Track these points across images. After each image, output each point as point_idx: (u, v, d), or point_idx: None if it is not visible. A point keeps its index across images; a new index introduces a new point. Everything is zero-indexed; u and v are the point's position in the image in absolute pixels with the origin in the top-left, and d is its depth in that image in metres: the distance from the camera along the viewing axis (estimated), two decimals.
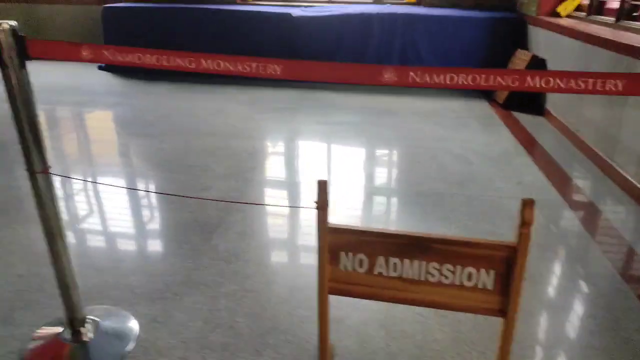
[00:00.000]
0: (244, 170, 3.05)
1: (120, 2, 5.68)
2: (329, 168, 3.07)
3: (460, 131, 3.74)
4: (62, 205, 2.60)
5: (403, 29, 4.71)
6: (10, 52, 1.21)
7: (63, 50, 1.22)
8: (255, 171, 3.03)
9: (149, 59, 1.19)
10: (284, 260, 2.11)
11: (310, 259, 2.10)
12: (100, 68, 5.49)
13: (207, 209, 2.46)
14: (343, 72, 1.10)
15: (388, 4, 5.44)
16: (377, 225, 2.41)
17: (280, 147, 3.55)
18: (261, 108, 4.25)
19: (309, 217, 2.42)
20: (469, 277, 1.15)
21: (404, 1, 5.55)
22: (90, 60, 1.21)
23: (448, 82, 0.97)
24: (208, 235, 2.22)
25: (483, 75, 0.95)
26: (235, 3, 5.56)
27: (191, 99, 4.50)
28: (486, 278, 1.14)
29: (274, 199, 2.69)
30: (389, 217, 2.51)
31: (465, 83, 0.96)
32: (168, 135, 3.56)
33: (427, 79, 0.97)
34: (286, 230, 2.35)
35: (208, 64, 1.18)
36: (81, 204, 2.61)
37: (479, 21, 4.67)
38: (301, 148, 3.46)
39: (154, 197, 2.62)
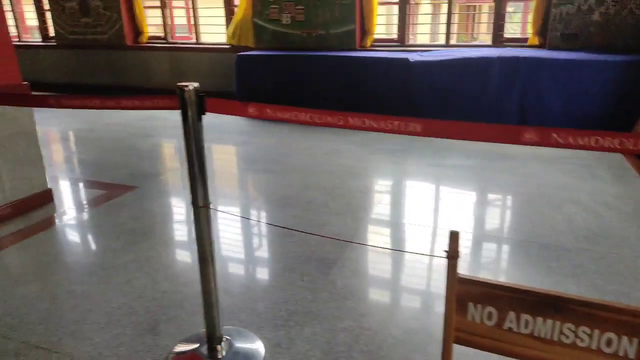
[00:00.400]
0: (358, 208, 3.17)
1: (251, 50, 6.30)
2: (441, 212, 3.07)
3: (589, 181, 3.51)
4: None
5: (525, 73, 4.59)
6: (192, 107, 1.47)
7: (233, 107, 1.45)
8: (367, 210, 3.14)
9: (304, 116, 1.37)
10: (398, 302, 2.15)
11: (424, 303, 2.13)
12: None
13: (325, 244, 2.60)
14: (482, 131, 1.17)
15: (509, 47, 5.36)
16: (493, 276, 2.35)
17: (392, 188, 3.63)
18: (374, 149, 4.39)
19: (420, 260, 2.44)
20: (608, 342, 1.11)
21: (527, 43, 5.42)
22: (255, 117, 1.42)
23: (593, 145, 0.98)
24: (326, 270, 2.35)
25: (631, 139, 0.96)
26: (355, 49, 5.87)
27: (309, 138, 4.79)
28: (628, 346, 1.10)
29: (383, 237, 2.76)
30: (509, 270, 2.44)
31: (612, 146, 0.97)
32: (289, 172, 3.83)
33: (571, 140, 1.00)
34: (400, 272, 2.39)
35: (354, 121, 1.32)
36: (216, 232, 2.91)
37: (611, 65, 4.40)
38: (412, 190, 3.51)
39: (277, 230, 2.82)
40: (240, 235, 2.86)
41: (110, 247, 2.62)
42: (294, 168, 3.94)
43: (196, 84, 1.47)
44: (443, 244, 2.68)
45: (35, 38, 8.46)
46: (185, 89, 1.46)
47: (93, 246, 2.68)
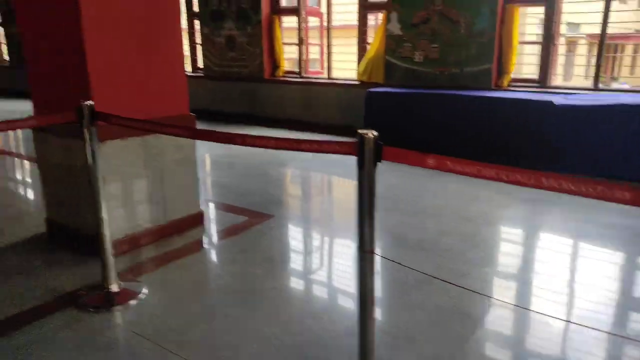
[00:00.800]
0: (499, 261, 2.98)
1: (381, 87, 6.39)
2: (598, 280, 2.74)
3: None
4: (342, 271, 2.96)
5: None
6: (369, 155, 1.50)
7: (411, 157, 1.45)
8: (510, 265, 2.93)
9: (488, 172, 1.31)
10: None
11: None
12: None
13: (465, 297, 2.46)
14: None
15: None
16: None
17: (538, 242, 3.36)
18: (514, 197, 4.10)
19: (581, 332, 2.19)
20: None
21: None
22: (434, 168, 1.40)
23: None
24: (472, 327, 2.21)
25: None
26: (490, 89, 5.66)
27: (437, 178, 4.63)
28: None
29: (529, 298, 2.53)
30: None
31: None
32: (421, 214, 3.74)
33: None
34: (561, 345, 2.16)
35: (549, 182, 1.23)
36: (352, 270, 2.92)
37: None
38: (562, 248, 3.20)
39: (415, 275, 2.72)
40: (377, 277, 2.83)
41: (255, 273, 2.76)
42: (426, 210, 3.84)
43: (375, 132, 1.50)
44: (599, 315, 2.38)
45: (186, 68, 9.49)
46: (365, 136, 1.49)
47: (241, 271, 2.82)
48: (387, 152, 1.49)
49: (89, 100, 2.35)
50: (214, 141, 1.86)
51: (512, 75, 5.83)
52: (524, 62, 6.95)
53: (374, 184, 1.54)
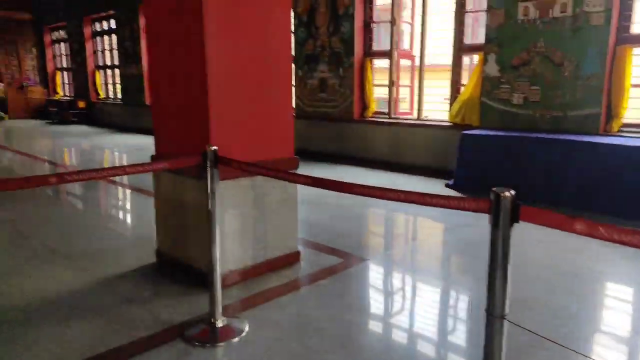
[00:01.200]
0: (617, 325, 2.68)
1: (475, 129, 6.22)
2: None
3: None
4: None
5: None
6: (505, 215, 1.42)
7: (554, 219, 1.36)
8: (630, 330, 2.63)
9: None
10: None
11: None
12: (447, 186, 6.06)
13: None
14: None
15: None
16: None
17: None
18: (623, 252, 3.71)
19: None
20: None
21: None
22: (583, 234, 1.30)
23: None
24: None
25: None
26: (597, 134, 5.29)
27: (537, 227, 4.33)
28: None
29: None
30: None
31: None
32: (525, 268, 3.46)
33: None
34: None
35: None
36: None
37: None
38: None
39: (528, 337, 2.52)
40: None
41: (352, 319, 2.71)
42: (530, 263, 3.58)
43: (512, 191, 1.43)
44: None
45: None
46: (501, 195, 1.42)
47: (337, 315, 2.77)
48: (526, 212, 1.41)
49: (208, 143, 2.50)
50: (332, 190, 1.88)
51: (623, 120, 5.42)
52: (631, 107, 6.46)
53: (509, 247, 1.46)
